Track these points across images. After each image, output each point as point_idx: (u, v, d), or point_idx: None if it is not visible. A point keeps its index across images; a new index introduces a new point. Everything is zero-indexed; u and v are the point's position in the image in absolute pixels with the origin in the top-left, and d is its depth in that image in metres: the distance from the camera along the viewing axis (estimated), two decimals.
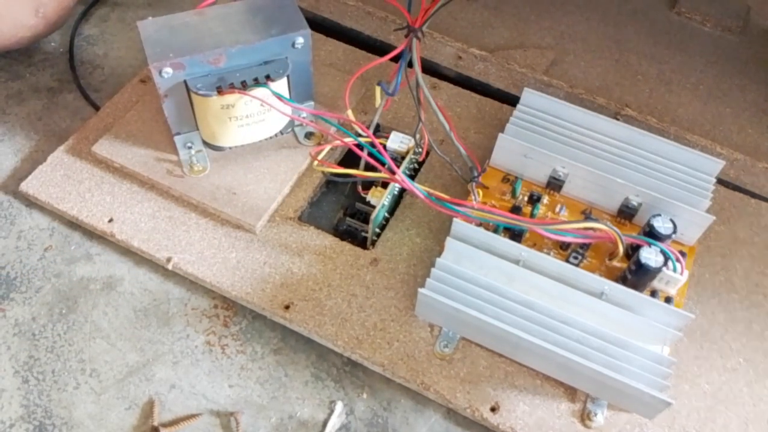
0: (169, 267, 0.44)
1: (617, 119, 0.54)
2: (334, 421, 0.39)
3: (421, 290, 0.38)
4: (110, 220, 0.46)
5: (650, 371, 0.37)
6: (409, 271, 0.45)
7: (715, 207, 0.48)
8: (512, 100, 0.56)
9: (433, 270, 0.39)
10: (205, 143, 0.48)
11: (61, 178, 0.48)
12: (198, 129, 0.47)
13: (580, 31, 0.64)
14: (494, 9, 0.64)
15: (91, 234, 0.46)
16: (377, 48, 0.60)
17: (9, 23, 0.51)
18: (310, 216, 0.48)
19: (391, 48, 0.60)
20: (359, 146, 0.42)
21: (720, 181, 0.51)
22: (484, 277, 0.39)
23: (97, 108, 0.53)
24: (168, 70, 0.41)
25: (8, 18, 0.51)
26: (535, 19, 0.64)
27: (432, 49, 0.59)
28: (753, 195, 0.52)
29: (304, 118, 0.48)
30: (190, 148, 0.47)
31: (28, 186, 0.47)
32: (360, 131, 0.45)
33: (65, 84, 0.56)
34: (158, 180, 0.47)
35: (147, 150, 0.48)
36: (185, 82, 0.43)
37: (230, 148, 0.48)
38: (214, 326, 0.43)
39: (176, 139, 0.47)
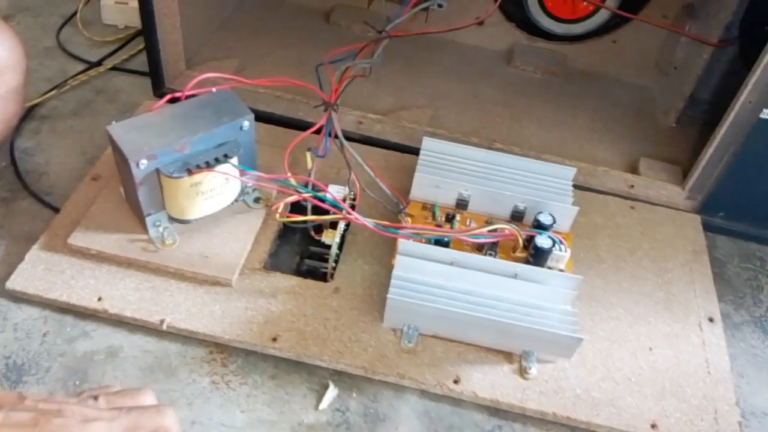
0: (164, 327, 0.51)
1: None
2: (329, 395, 0.48)
3: (389, 296, 0.49)
4: (99, 299, 0.52)
5: (563, 321, 0.50)
6: (365, 292, 0.55)
7: (575, 203, 0.63)
8: (409, 150, 0.69)
9: (392, 281, 0.50)
10: (172, 219, 0.56)
11: (43, 272, 0.53)
12: (165, 208, 0.55)
13: (446, 91, 0.79)
14: (376, 82, 0.78)
15: (82, 315, 0.52)
16: (290, 124, 0.71)
17: None
18: (272, 264, 0.57)
19: (301, 122, 0.71)
20: (315, 198, 0.53)
21: (574, 186, 0.66)
22: (431, 279, 0.50)
23: (55, 209, 0.59)
24: (144, 162, 0.50)
25: None
26: (409, 85, 0.79)
27: (339, 111, 0.71)
28: (599, 192, 0.69)
29: (256, 182, 0.57)
30: (158, 225, 0.55)
31: (13, 284, 0.52)
32: (302, 186, 0.55)
33: (17, 193, 0.61)
34: (136, 257, 0.54)
35: (118, 234, 0.55)
36: (157, 169, 0.51)
37: (195, 220, 0.56)
38: (215, 368, 0.50)
39: (147, 219, 0.54)
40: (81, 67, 0.76)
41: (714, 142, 0.64)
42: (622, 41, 0.83)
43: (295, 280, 0.55)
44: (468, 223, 0.58)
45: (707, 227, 0.68)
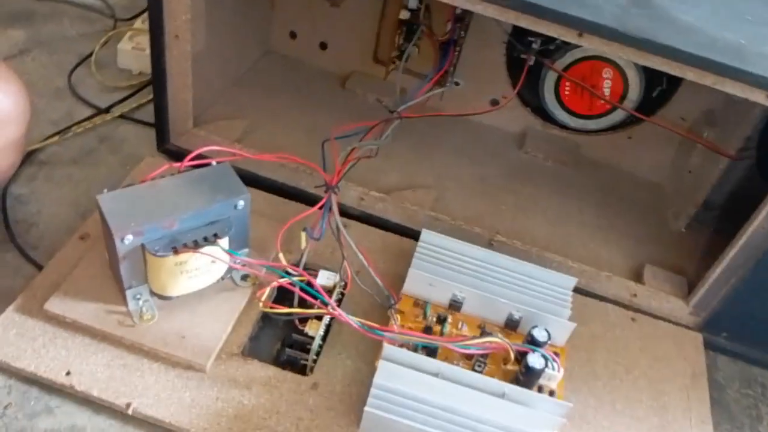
0: (129, 412, 0.49)
1: (492, 245, 0.67)
2: None
3: (366, 408, 0.46)
4: (68, 373, 0.50)
5: None
6: (344, 390, 0.53)
7: (574, 312, 0.60)
8: (409, 233, 0.67)
9: (372, 390, 0.48)
10: (153, 293, 0.54)
11: (14, 337, 0.51)
12: (147, 282, 0.53)
13: (453, 171, 0.78)
14: (383, 156, 0.76)
15: (49, 387, 0.50)
16: (292, 194, 0.69)
17: None
18: (251, 350, 0.55)
19: (303, 193, 0.70)
20: (301, 288, 0.51)
21: (575, 289, 0.64)
22: (413, 391, 0.48)
23: (38, 266, 0.57)
24: (129, 237, 0.48)
25: None
26: (416, 162, 0.78)
27: (339, 194, 0.69)
28: (600, 298, 0.66)
29: (244, 266, 0.55)
30: (138, 299, 0.53)
31: None
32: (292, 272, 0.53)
33: (2, 244, 0.59)
34: (111, 331, 0.52)
35: (97, 304, 0.53)
36: (142, 245, 0.49)
37: (177, 296, 0.54)
38: None
39: (128, 292, 0.52)
40: (88, 111, 0.76)
41: (723, 263, 0.61)
42: (638, 138, 0.81)
43: (272, 371, 0.53)
44: (460, 326, 0.56)
45: (709, 345, 0.65)
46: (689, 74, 0.51)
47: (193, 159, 0.54)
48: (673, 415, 0.57)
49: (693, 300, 0.66)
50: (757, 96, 0.51)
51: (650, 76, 0.71)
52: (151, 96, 0.77)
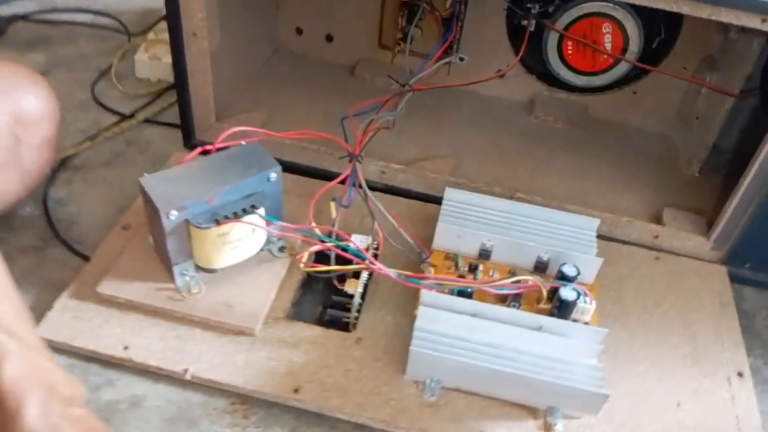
0: (188, 377, 0.51)
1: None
2: None
3: (411, 348, 0.48)
4: (125, 348, 0.52)
5: (589, 376, 0.49)
6: (388, 343, 0.55)
7: (599, 254, 0.62)
8: (432, 199, 0.70)
9: (415, 332, 0.50)
10: (199, 268, 0.56)
11: (70, 320, 0.54)
12: (193, 257, 0.56)
13: (468, 141, 0.80)
14: (399, 132, 0.79)
15: (106, 363, 0.53)
16: (315, 174, 0.72)
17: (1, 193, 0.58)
18: (295, 314, 0.58)
19: (326, 173, 0.73)
20: (340, 248, 0.53)
21: (598, 236, 0.66)
22: (453, 331, 0.50)
23: (85, 257, 0.60)
24: (174, 213, 0.51)
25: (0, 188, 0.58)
26: (432, 135, 0.80)
27: (363, 162, 0.72)
28: (623, 242, 0.68)
29: (282, 233, 0.58)
30: (185, 275, 0.56)
31: (42, 332, 0.53)
32: (326, 236, 0.56)
33: (48, 241, 0.63)
34: (162, 306, 0.55)
35: (146, 283, 0.56)
36: (186, 220, 0.52)
37: (221, 269, 0.57)
38: (236, 420, 0.50)
39: (174, 268, 0.55)
40: (114, 119, 0.79)
41: (738, 194, 0.63)
42: (643, 92, 0.83)
43: (317, 330, 0.55)
44: (491, 273, 0.58)
45: (734, 278, 0.67)
46: (684, 8, 0.54)
47: (223, 141, 0.57)
48: (705, 342, 0.59)
49: (713, 235, 0.67)
50: (753, 21, 0.53)
51: (649, 26, 0.74)
52: (171, 99, 0.81)
